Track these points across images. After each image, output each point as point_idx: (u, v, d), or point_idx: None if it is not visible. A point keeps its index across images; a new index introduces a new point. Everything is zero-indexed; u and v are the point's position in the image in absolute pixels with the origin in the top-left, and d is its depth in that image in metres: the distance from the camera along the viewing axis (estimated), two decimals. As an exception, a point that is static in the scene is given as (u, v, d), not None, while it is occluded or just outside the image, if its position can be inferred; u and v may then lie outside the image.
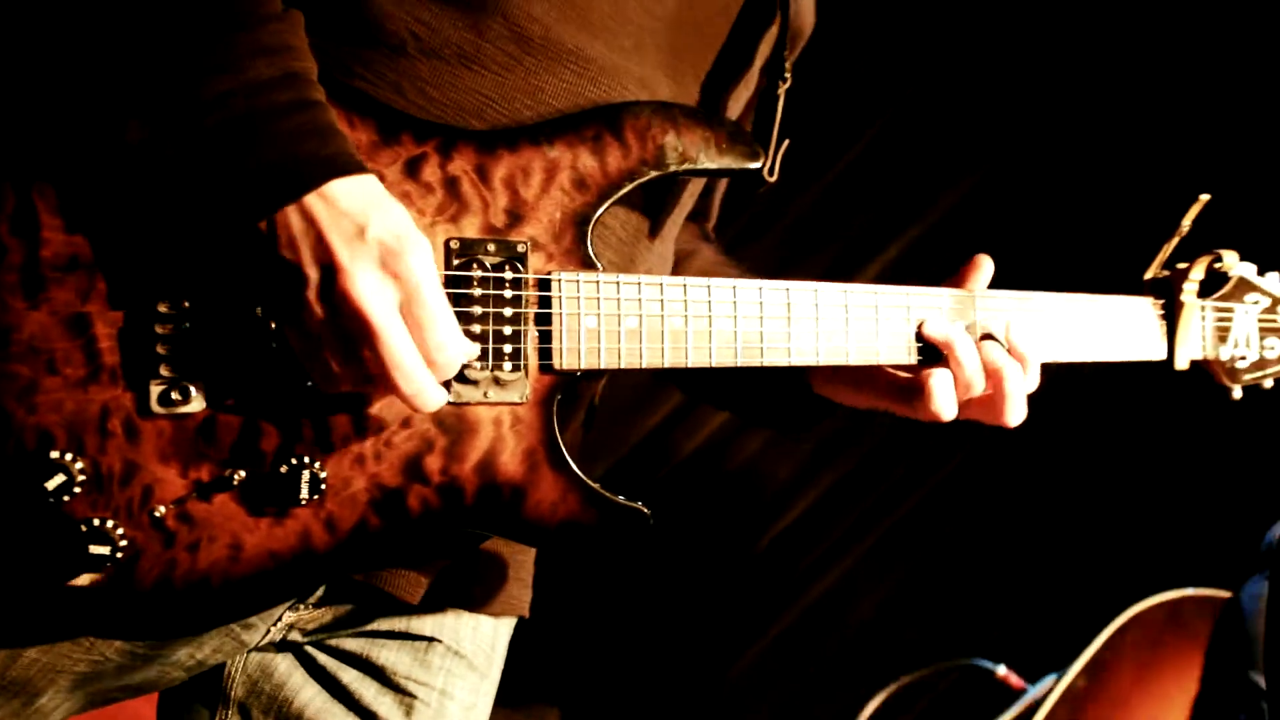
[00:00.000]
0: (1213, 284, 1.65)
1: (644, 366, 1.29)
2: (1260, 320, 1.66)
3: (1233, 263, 1.56)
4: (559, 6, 1.29)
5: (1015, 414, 1.39)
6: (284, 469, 1.15)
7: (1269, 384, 1.70)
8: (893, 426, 1.66)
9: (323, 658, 1.39)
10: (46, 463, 1.09)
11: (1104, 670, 2.43)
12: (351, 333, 1.07)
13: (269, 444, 1.16)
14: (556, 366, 1.25)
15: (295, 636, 1.38)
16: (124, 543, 1.12)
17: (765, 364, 1.34)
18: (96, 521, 1.11)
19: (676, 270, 1.58)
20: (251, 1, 1.08)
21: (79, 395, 1.11)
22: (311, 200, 1.06)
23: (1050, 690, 2.45)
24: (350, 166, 1.08)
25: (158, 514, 1.13)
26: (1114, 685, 2.42)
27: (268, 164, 1.05)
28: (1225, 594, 2.43)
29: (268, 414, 1.15)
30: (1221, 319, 1.62)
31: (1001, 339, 1.40)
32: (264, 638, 1.35)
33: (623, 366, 1.28)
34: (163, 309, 1.12)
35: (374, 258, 1.06)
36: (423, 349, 1.10)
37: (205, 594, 1.15)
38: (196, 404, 1.13)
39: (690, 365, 1.31)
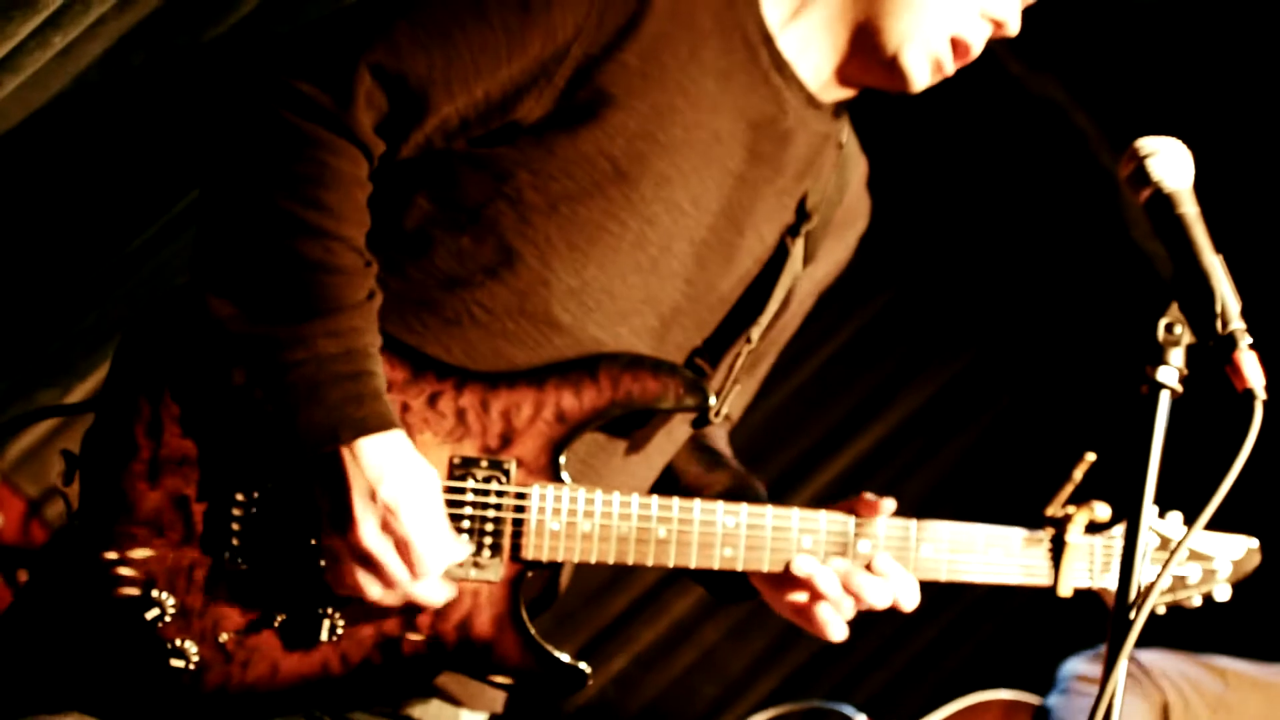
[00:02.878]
0: (1114, 521, 1.97)
1: (594, 561, 1.71)
2: (1152, 556, 1.97)
3: (1103, 514, 1.89)
4: (596, 299, 1.72)
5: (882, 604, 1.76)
6: (313, 617, 1.61)
7: (1161, 610, 2.01)
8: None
9: None
10: (148, 599, 1.57)
11: None
12: (364, 560, 1.56)
13: (304, 597, 1.61)
14: (524, 557, 1.67)
15: None
16: (196, 659, 1.59)
17: (693, 565, 1.74)
18: (179, 642, 1.58)
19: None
20: (337, 294, 1.56)
21: (176, 552, 1.59)
22: (344, 452, 1.53)
23: None
24: (376, 427, 1.54)
25: (222, 640, 1.60)
26: None
27: (317, 420, 1.53)
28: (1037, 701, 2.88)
29: (305, 576, 1.61)
30: (1108, 554, 1.94)
31: (872, 565, 1.76)
32: None
33: (577, 561, 1.70)
34: (239, 497, 1.60)
35: (378, 517, 1.54)
36: (412, 573, 1.57)
37: (250, 698, 1.62)
38: (255, 566, 1.60)
39: (631, 563, 1.72)
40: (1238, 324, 1.41)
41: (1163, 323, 1.42)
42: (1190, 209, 1.47)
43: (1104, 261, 3.55)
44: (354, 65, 1.58)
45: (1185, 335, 1.42)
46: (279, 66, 1.59)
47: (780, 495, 1.92)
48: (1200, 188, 1.54)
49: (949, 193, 3.68)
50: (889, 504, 1.80)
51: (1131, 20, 3.18)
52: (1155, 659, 2.66)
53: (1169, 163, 1.50)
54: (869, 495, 1.80)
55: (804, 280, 1.93)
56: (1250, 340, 1.41)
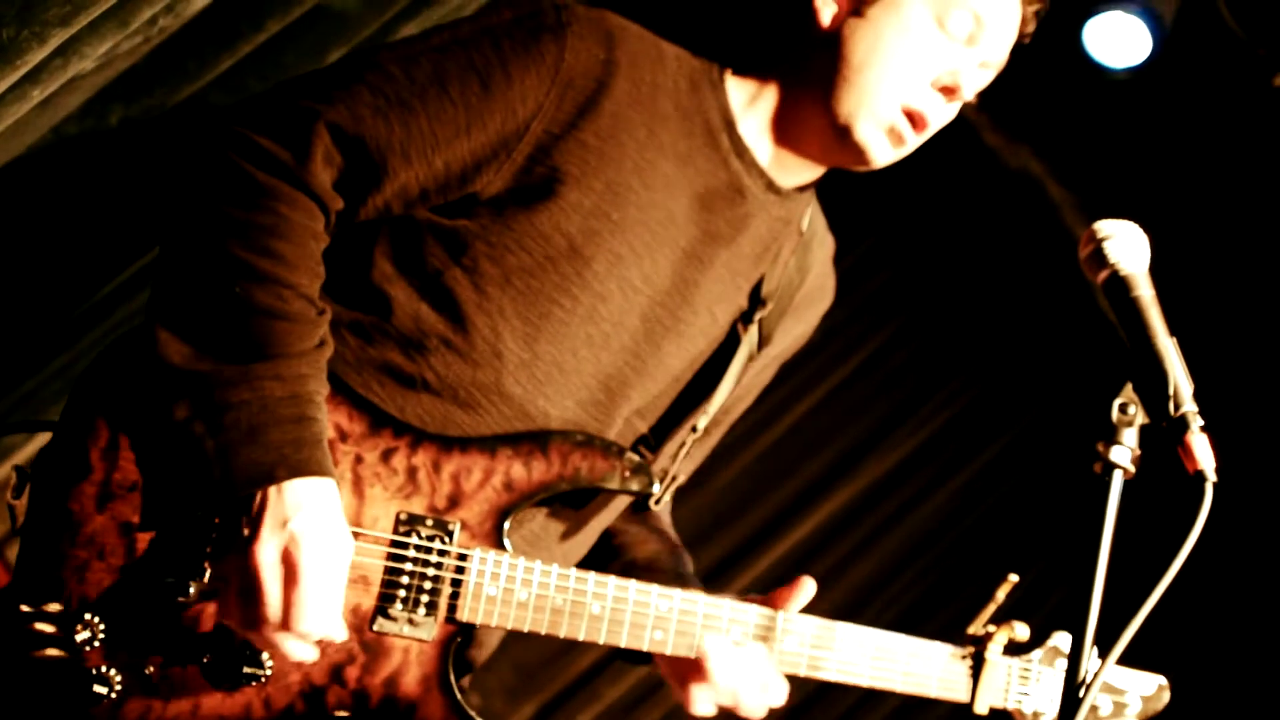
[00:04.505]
0: (1032, 644, 2.03)
1: (527, 630, 1.74)
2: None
3: (1023, 634, 1.95)
4: (546, 372, 1.78)
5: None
6: (240, 659, 1.61)
7: (1071, 742, 2.06)
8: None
9: None
10: (81, 619, 1.57)
11: None
12: (249, 583, 1.56)
13: (234, 637, 1.62)
14: (459, 618, 1.70)
15: None
16: (119, 687, 1.58)
17: (623, 644, 1.77)
18: (104, 669, 1.58)
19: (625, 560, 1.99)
20: (285, 340, 1.60)
21: (115, 578, 1.59)
22: (271, 490, 1.56)
23: None
24: (308, 471, 1.58)
25: (147, 672, 1.60)
26: None
27: (255, 459, 1.57)
28: None
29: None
30: (1024, 676, 2.00)
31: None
32: None
33: (510, 628, 1.73)
34: (182, 531, 1.61)
35: (280, 542, 1.56)
36: (288, 615, 1.56)
37: (167, 737, 1.61)
38: (190, 599, 1.61)
39: (563, 636, 1.74)
40: (1190, 406, 1.45)
41: (1117, 403, 1.46)
42: (1146, 292, 1.52)
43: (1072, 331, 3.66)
44: (313, 124, 1.65)
45: (1139, 416, 1.46)
46: (242, 120, 1.65)
47: (749, 554, 1.96)
48: (1170, 260, 1.56)
49: (923, 257, 3.84)
50: (809, 588, 1.84)
51: (1107, 95, 3.33)
52: None
53: (1126, 246, 1.54)
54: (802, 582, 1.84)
55: (760, 358, 2.00)
56: (1202, 423, 1.45)
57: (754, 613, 1.84)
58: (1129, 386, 1.47)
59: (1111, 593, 1.43)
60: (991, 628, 1.98)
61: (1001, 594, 1.97)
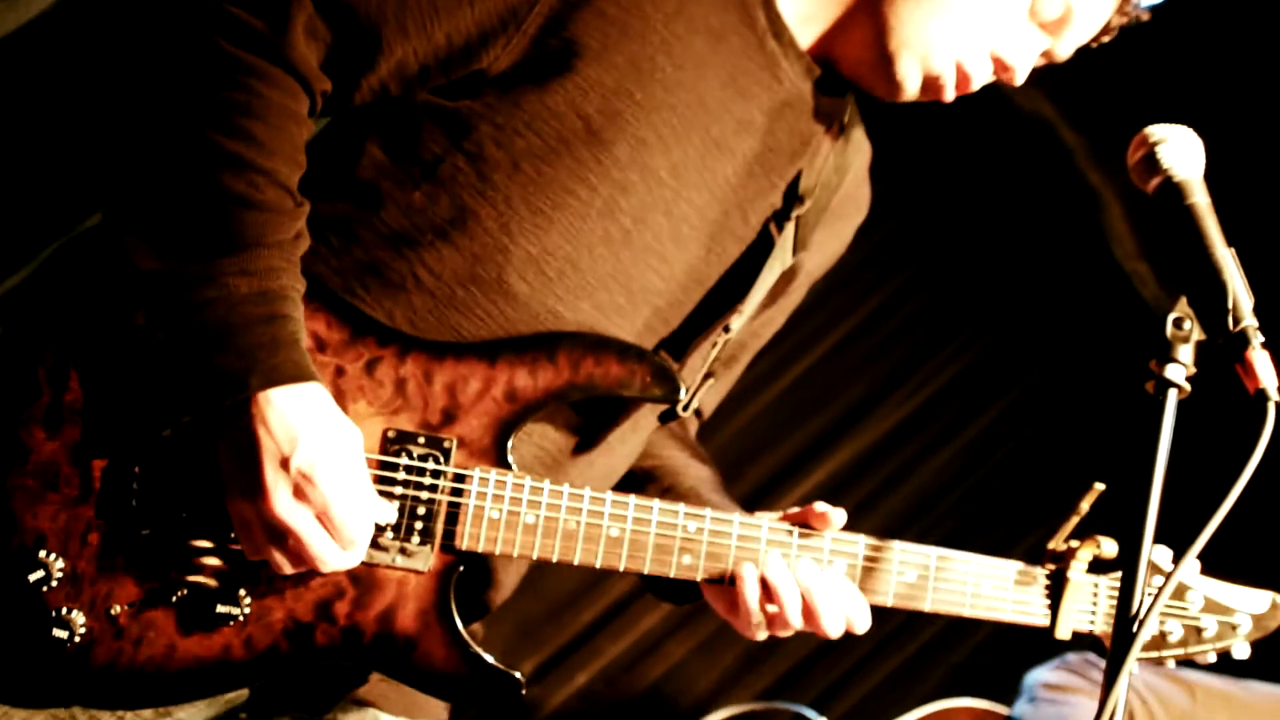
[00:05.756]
0: (1120, 561, 1.78)
1: (535, 558, 1.55)
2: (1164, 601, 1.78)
3: (1110, 550, 1.71)
4: (558, 269, 1.58)
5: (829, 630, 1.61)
6: (217, 595, 1.46)
7: (1171, 664, 1.82)
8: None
9: None
10: (35, 559, 1.42)
11: None
12: (278, 534, 1.42)
13: (209, 572, 1.47)
14: (457, 546, 1.52)
15: None
16: (83, 630, 1.44)
17: (646, 571, 1.57)
18: (65, 610, 1.44)
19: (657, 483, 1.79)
20: (255, 231, 1.42)
21: (71, 510, 1.45)
22: (254, 406, 1.39)
23: None
24: (290, 377, 1.40)
25: (114, 612, 1.46)
26: None
27: (226, 367, 1.39)
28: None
29: (212, 548, 1.46)
30: (1112, 596, 1.76)
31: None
32: None
33: (516, 555, 1.54)
34: (144, 456, 1.46)
35: (290, 486, 1.40)
36: (336, 540, 1.44)
37: (140, 680, 1.48)
38: (156, 533, 1.45)
39: (577, 563, 1.55)
40: (1250, 321, 1.35)
41: (1171, 317, 1.36)
42: (1201, 199, 1.41)
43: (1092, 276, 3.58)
44: None
45: (1194, 331, 1.36)
46: None
47: (757, 505, 1.77)
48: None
49: (942, 196, 3.75)
50: (839, 516, 1.64)
51: (1123, 37, 3.18)
52: None
53: (1179, 151, 1.44)
54: (818, 506, 1.64)
55: (794, 269, 1.77)
56: (1263, 339, 1.35)
57: (798, 533, 1.63)
58: (1183, 300, 1.35)
59: (1166, 523, 1.34)
60: (1074, 543, 1.74)
61: (1085, 505, 1.73)
